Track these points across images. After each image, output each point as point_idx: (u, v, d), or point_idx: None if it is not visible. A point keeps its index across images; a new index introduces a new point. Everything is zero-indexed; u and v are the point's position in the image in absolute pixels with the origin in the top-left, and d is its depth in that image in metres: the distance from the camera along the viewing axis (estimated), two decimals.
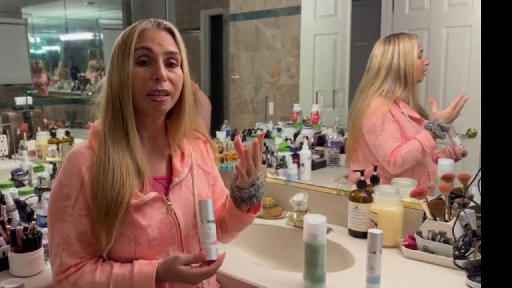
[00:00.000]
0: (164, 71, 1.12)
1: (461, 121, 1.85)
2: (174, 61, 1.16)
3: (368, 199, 1.67)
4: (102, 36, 4.06)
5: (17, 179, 2.12)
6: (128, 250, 1.13)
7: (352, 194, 1.71)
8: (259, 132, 2.54)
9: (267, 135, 2.51)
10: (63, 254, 1.11)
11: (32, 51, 4.19)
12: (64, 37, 4.35)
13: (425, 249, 1.48)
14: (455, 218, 1.45)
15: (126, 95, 1.12)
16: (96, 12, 4.10)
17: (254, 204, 1.25)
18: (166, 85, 1.13)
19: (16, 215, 1.63)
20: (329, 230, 1.73)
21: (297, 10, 2.48)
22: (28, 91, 3.39)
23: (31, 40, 4.21)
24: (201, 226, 1.13)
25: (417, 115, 1.88)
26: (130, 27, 1.16)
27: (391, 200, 1.61)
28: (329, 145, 2.21)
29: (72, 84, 4.25)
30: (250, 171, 1.20)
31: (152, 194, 1.15)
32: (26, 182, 2.13)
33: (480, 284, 1.29)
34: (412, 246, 1.52)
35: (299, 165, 2.09)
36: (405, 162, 1.81)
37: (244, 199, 1.23)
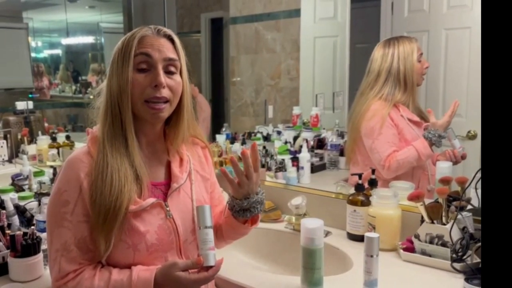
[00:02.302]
0: (163, 78, 1.13)
1: (461, 123, 1.85)
2: (173, 68, 1.16)
3: (366, 203, 1.67)
4: (103, 39, 4.08)
5: (17, 183, 2.13)
6: (126, 256, 1.13)
7: (350, 198, 1.71)
8: (258, 135, 2.54)
9: (267, 138, 2.51)
10: (61, 260, 1.12)
11: (33, 55, 4.21)
12: (65, 41, 4.37)
13: (423, 252, 1.49)
14: (452, 221, 1.45)
15: (125, 101, 1.12)
16: (97, 16, 4.12)
17: (247, 218, 1.26)
18: (165, 92, 1.13)
19: (16, 220, 1.64)
20: (328, 233, 1.74)
21: (296, 13, 2.49)
22: (30, 95, 3.40)
23: (33, 44, 4.23)
24: (199, 232, 1.13)
25: (416, 118, 1.88)
26: (130, 33, 1.16)
27: (389, 203, 1.61)
28: (329, 148, 2.22)
29: (74, 87, 4.27)
30: (241, 182, 1.21)
31: (151, 200, 1.15)
32: (26, 187, 2.14)
33: (476, 287, 1.29)
34: (410, 249, 1.52)
35: (298, 168, 2.10)
36: (399, 168, 1.82)
37: (236, 209, 1.24)
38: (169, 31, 1.19)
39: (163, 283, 1.10)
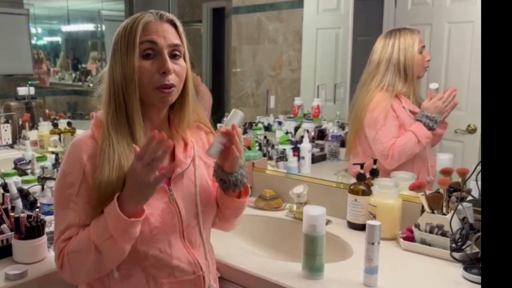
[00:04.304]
0: (170, 64, 1.13)
1: (461, 117, 1.86)
2: (178, 53, 1.17)
3: (367, 192, 1.69)
4: (103, 27, 4.06)
5: (20, 168, 2.14)
6: None
7: (352, 187, 1.73)
8: (260, 125, 2.55)
9: (268, 128, 2.52)
10: (60, 240, 1.13)
11: (33, 41, 4.20)
12: (66, 28, 4.36)
13: (423, 242, 1.51)
14: (452, 211, 1.47)
15: (132, 89, 1.13)
16: (98, 3, 4.09)
17: (240, 189, 1.25)
18: (172, 78, 1.14)
19: (19, 203, 1.65)
20: (328, 222, 1.76)
21: (299, 3, 2.48)
22: (30, 82, 3.40)
23: (33, 30, 4.21)
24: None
25: (418, 110, 1.88)
26: (132, 19, 1.16)
27: (390, 193, 1.63)
28: (330, 139, 2.23)
29: (73, 75, 4.26)
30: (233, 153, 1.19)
31: None
32: (28, 171, 2.14)
33: (476, 276, 1.31)
34: (410, 238, 1.54)
35: (299, 158, 2.11)
36: (402, 155, 1.83)
37: (226, 184, 1.22)
38: (171, 16, 1.19)
39: (126, 189, 1.07)
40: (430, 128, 1.80)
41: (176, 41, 1.17)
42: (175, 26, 1.19)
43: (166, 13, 1.19)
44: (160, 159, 1.04)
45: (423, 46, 1.87)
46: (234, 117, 1.19)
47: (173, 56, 1.16)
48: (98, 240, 1.08)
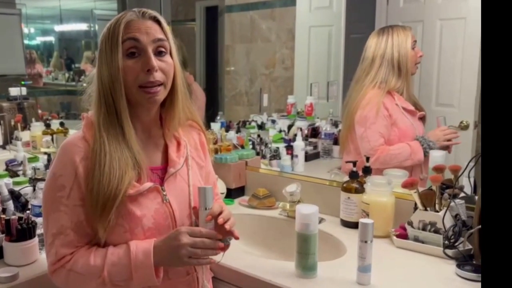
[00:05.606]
0: (155, 61, 1.12)
1: (453, 113, 1.86)
2: (163, 49, 1.15)
3: (360, 190, 1.69)
4: (96, 27, 4.05)
5: (11, 169, 2.12)
6: (123, 240, 1.13)
7: (344, 185, 1.73)
8: (253, 123, 2.55)
9: (262, 126, 2.52)
10: (58, 244, 1.12)
11: (26, 42, 4.17)
12: (59, 28, 4.34)
13: (416, 239, 1.51)
14: (445, 208, 1.47)
15: (118, 89, 1.11)
16: (91, 2, 4.08)
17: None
18: (158, 75, 1.13)
19: (10, 205, 1.64)
20: (321, 220, 1.76)
21: (292, 1, 2.48)
22: (23, 82, 3.38)
23: (25, 30, 4.19)
24: (203, 212, 1.13)
25: (411, 107, 1.89)
26: (115, 19, 1.14)
27: (383, 191, 1.63)
28: (323, 136, 2.23)
29: (67, 75, 4.24)
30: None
31: (148, 184, 1.15)
32: (20, 173, 2.13)
33: (468, 273, 1.31)
34: (403, 236, 1.54)
35: (292, 156, 2.11)
36: (388, 162, 1.83)
37: None
38: (154, 13, 1.17)
39: (161, 247, 1.10)
40: (425, 153, 1.81)
41: (160, 35, 1.15)
42: (158, 22, 1.17)
43: (149, 10, 1.17)
44: (207, 253, 1.10)
45: (415, 41, 1.87)
46: (204, 195, 1.13)
47: (159, 53, 1.14)
48: (110, 277, 1.09)
